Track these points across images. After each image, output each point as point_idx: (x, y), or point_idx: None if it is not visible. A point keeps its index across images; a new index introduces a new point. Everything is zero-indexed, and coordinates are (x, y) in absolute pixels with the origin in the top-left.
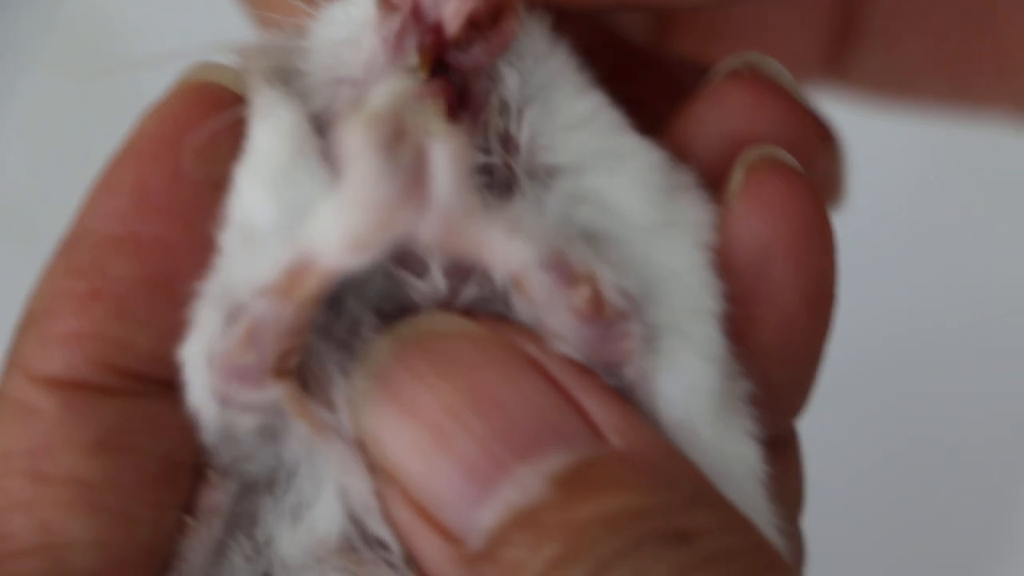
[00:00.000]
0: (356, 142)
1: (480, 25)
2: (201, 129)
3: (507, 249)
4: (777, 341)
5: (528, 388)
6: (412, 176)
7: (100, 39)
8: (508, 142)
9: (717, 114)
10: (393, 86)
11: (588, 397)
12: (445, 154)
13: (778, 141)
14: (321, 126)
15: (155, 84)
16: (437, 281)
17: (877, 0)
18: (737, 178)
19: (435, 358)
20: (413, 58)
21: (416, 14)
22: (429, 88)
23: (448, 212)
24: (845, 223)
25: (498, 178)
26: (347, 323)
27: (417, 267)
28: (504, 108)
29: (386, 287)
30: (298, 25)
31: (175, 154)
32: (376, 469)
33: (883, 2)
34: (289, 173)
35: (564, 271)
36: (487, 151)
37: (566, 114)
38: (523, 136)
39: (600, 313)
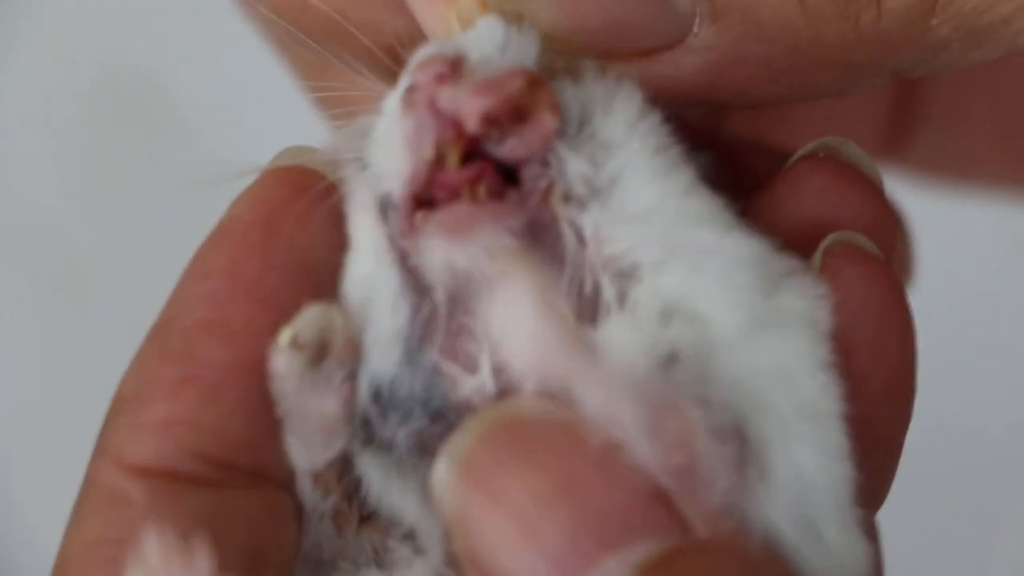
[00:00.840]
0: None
1: (501, 121)
2: (293, 214)
3: (599, 386)
4: (859, 431)
5: (614, 476)
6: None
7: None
8: (579, 235)
9: (796, 198)
10: (312, 315)
11: (678, 499)
12: (522, 288)
13: (857, 226)
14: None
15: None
16: (486, 376)
17: (937, 82)
18: (817, 263)
19: (521, 445)
20: (428, 152)
21: (433, 111)
22: (461, 175)
23: (535, 345)
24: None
25: (572, 276)
26: (390, 428)
27: (468, 363)
28: (569, 197)
29: (418, 385)
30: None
31: (267, 239)
32: (462, 557)
33: (943, 84)
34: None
35: (657, 422)
36: (555, 245)
37: (640, 203)
38: (587, 229)
39: (694, 476)
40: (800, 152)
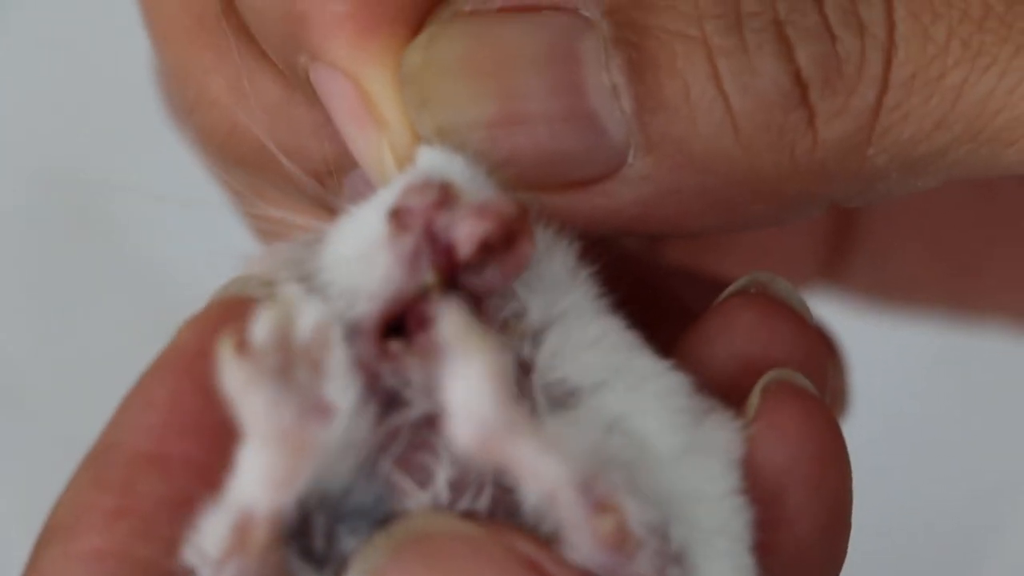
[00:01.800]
0: (236, 383)
1: (493, 248)
2: (229, 343)
3: (544, 466)
4: (794, 566)
5: None
6: (308, 394)
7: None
8: (524, 363)
9: (728, 335)
10: (268, 318)
11: None
12: (481, 366)
13: (790, 362)
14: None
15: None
16: (440, 491)
17: (874, 210)
18: (754, 402)
19: (430, 560)
20: (429, 276)
21: (429, 234)
22: (439, 308)
23: (487, 424)
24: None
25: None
26: (325, 537)
27: (420, 476)
28: (520, 328)
29: (370, 495)
30: (315, 233)
31: (208, 370)
32: None
33: (880, 211)
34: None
35: (594, 498)
36: None
37: (584, 336)
38: (541, 357)
39: (623, 545)
40: (731, 288)
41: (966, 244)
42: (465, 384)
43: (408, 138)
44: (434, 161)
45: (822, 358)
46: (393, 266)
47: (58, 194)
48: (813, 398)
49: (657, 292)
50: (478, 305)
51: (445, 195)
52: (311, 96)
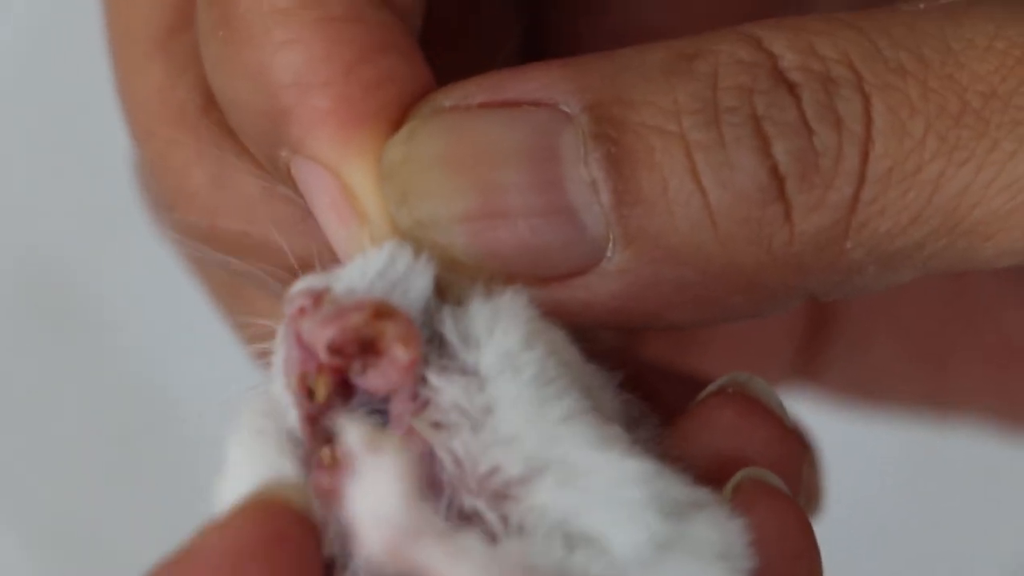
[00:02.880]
0: None
1: (359, 351)
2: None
3: (456, 572)
4: None
5: None
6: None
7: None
8: (455, 459)
9: (707, 433)
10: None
11: None
12: (389, 468)
13: (765, 461)
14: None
15: None
16: None
17: (849, 306)
18: (727, 499)
19: None
20: (292, 383)
21: (299, 342)
22: (325, 412)
23: (394, 528)
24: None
25: (452, 500)
26: None
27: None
28: (439, 424)
29: None
30: None
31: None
32: None
33: (855, 308)
34: None
35: None
36: (432, 471)
37: (507, 428)
38: (459, 452)
39: None
40: (710, 388)
41: (937, 339)
42: (367, 489)
43: (388, 232)
44: (367, 262)
45: (797, 458)
46: (280, 374)
47: (31, 280)
48: (785, 497)
49: (636, 387)
50: (385, 406)
51: (314, 301)
52: (292, 190)
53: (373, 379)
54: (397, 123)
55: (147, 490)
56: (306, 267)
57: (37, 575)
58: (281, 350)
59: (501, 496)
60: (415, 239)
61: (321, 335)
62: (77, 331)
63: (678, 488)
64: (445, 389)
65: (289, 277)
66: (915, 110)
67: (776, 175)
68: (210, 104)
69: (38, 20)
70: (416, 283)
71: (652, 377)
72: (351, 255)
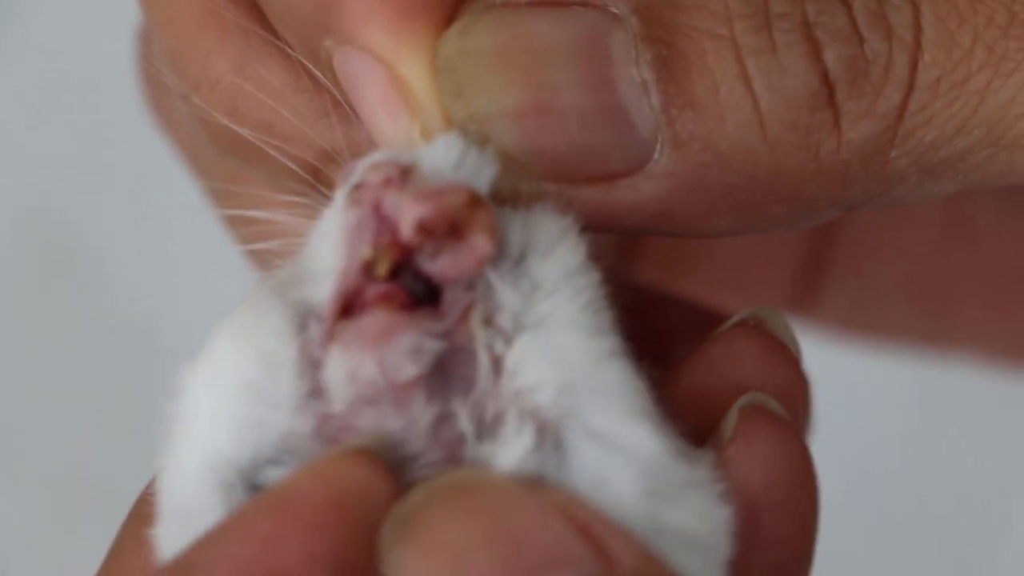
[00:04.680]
0: None
1: (442, 235)
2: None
3: None
4: None
5: (547, 523)
6: None
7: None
8: (494, 362)
9: (727, 364)
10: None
11: (608, 535)
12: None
13: (774, 392)
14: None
15: None
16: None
17: (848, 239)
18: (731, 423)
19: (462, 502)
20: (366, 252)
21: (376, 212)
22: (376, 290)
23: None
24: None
25: (478, 400)
26: None
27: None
28: (490, 322)
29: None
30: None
31: (315, 535)
32: None
33: (854, 241)
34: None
35: None
36: (466, 367)
37: (558, 350)
38: (505, 359)
39: None
40: (734, 319)
41: (937, 275)
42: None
43: (440, 124)
44: (439, 145)
45: (804, 394)
46: (339, 238)
47: (38, 229)
48: (787, 424)
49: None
50: (435, 293)
51: (402, 175)
52: (330, 81)
53: (444, 265)
54: (449, 17)
55: (141, 434)
56: (326, 162)
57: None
58: (346, 217)
59: (526, 412)
60: (468, 133)
61: (413, 210)
62: (85, 277)
63: (679, 470)
64: (503, 291)
65: (306, 174)
66: (963, 20)
67: (826, 81)
68: None
69: None
70: (485, 175)
71: (646, 300)
72: (397, 146)
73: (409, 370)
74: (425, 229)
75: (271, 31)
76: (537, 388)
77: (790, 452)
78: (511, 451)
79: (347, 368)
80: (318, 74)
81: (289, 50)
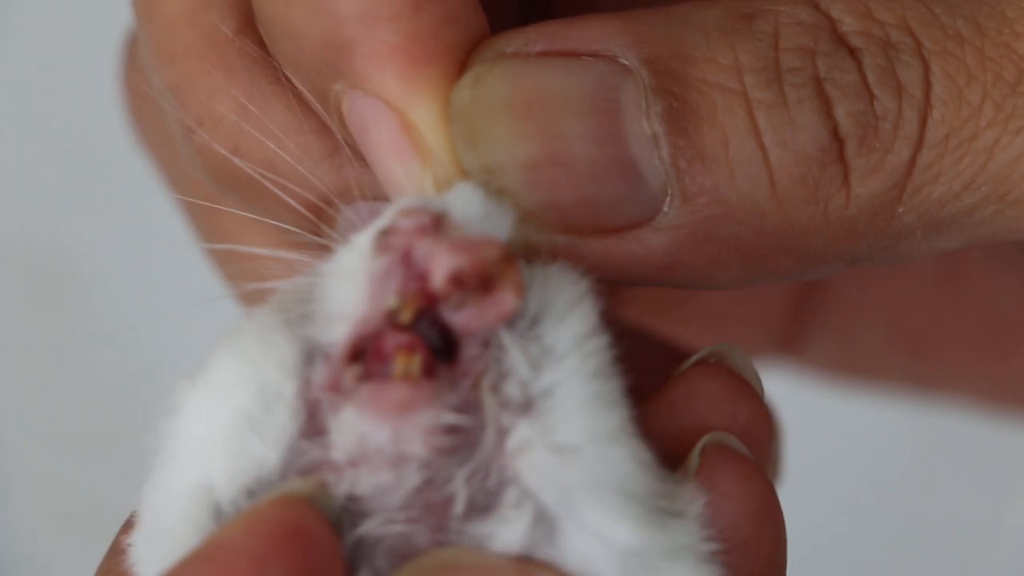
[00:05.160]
0: None
1: (473, 287)
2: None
3: None
4: None
5: None
6: None
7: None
8: (500, 432)
9: (689, 403)
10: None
11: None
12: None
13: (740, 432)
14: (314, 354)
15: None
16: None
17: (837, 283)
18: (693, 465)
19: None
20: (392, 300)
21: (407, 259)
22: (397, 340)
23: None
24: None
25: (479, 466)
26: None
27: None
28: (497, 389)
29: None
30: (313, 270)
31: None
32: None
33: (843, 285)
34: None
35: None
36: (473, 430)
37: (564, 435)
38: (510, 436)
39: None
40: (694, 357)
41: (926, 321)
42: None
43: (452, 173)
44: (464, 194)
45: (770, 434)
46: (365, 283)
47: (31, 257)
48: (751, 462)
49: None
50: (454, 347)
51: (435, 223)
52: (337, 124)
53: (469, 318)
54: (461, 65)
55: (126, 456)
56: (328, 204)
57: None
58: (373, 262)
59: (526, 494)
60: (480, 183)
61: (447, 261)
62: (74, 303)
63: (666, 541)
64: (516, 355)
65: (305, 216)
66: (972, 77)
67: (837, 137)
68: (243, 29)
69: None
70: (504, 227)
71: (631, 343)
72: (407, 193)
73: (422, 447)
74: (458, 280)
75: (278, 69)
76: (540, 486)
77: (754, 490)
78: (510, 532)
79: (360, 430)
80: (324, 115)
81: (295, 89)
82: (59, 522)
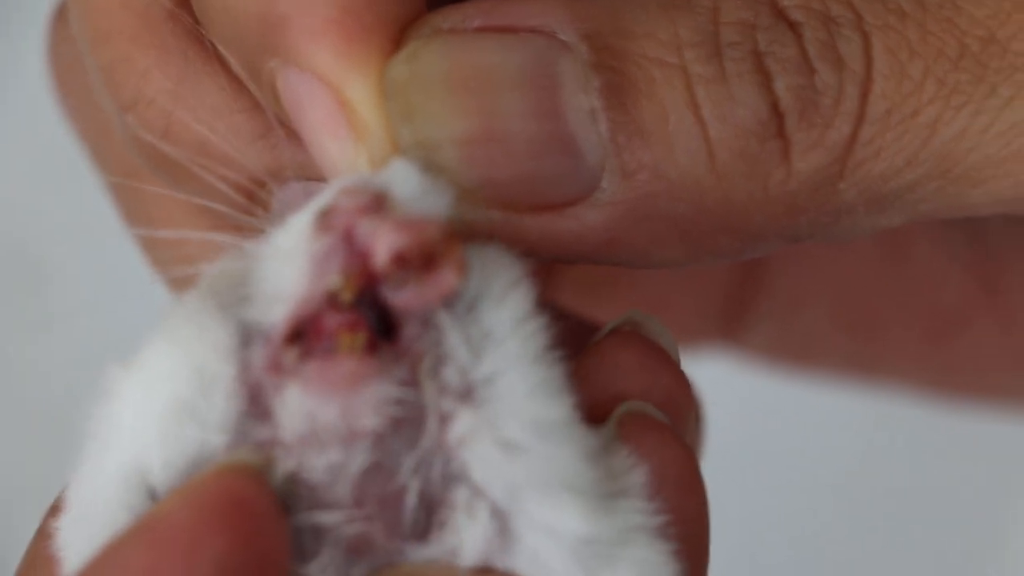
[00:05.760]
0: None
1: (415, 266)
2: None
3: None
4: None
5: None
6: None
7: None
8: (442, 418)
9: (605, 372)
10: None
11: None
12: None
13: (658, 399)
14: (252, 336)
15: None
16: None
17: (778, 268)
18: (611, 433)
19: None
20: (334, 280)
21: (348, 238)
22: (339, 319)
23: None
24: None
25: (424, 455)
26: None
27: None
28: (437, 369)
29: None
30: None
31: (194, 551)
32: None
33: (785, 270)
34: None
35: None
36: (415, 413)
37: (508, 428)
38: (452, 425)
39: None
40: (608, 326)
41: (870, 307)
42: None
43: (387, 151)
44: (402, 172)
45: (689, 404)
46: (305, 264)
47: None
48: (670, 430)
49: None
50: (393, 327)
51: (377, 202)
52: (271, 102)
53: (410, 296)
54: (396, 40)
55: None
56: (261, 185)
57: None
58: (314, 242)
59: (476, 494)
60: (417, 161)
61: (391, 240)
62: (44, 306)
63: (614, 527)
64: (454, 339)
65: (238, 197)
66: (914, 52)
67: (776, 111)
68: (175, 10)
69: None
70: (442, 204)
71: (568, 325)
72: (342, 171)
73: (371, 420)
74: (400, 259)
75: (211, 48)
76: (488, 482)
77: (674, 457)
78: (469, 539)
79: (307, 408)
80: (258, 93)
81: (229, 68)
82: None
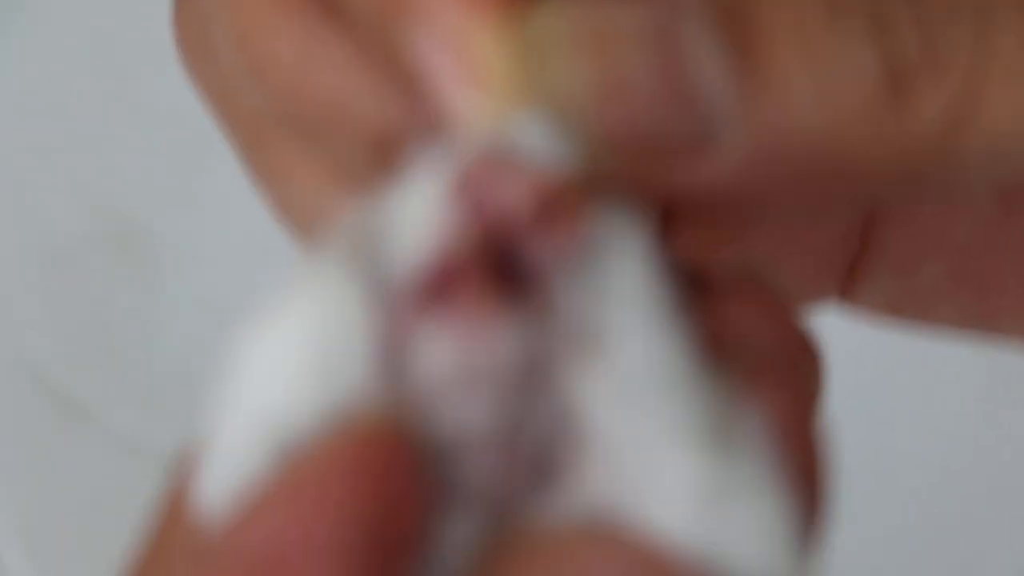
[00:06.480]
0: None
1: (546, 217)
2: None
3: None
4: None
5: None
6: None
7: None
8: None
9: (726, 322)
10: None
11: None
12: None
13: (775, 349)
14: (386, 289)
15: None
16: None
17: (894, 228)
18: (729, 383)
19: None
20: (467, 233)
21: (480, 191)
22: (474, 271)
23: None
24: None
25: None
26: None
27: None
28: (565, 319)
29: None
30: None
31: (333, 513)
32: None
33: (900, 230)
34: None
35: None
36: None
37: (624, 372)
38: (568, 373)
39: None
40: (729, 277)
41: (985, 262)
42: None
43: (515, 104)
44: (531, 125)
45: (809, 351)
46: (439, 219)
47: (113, 233)
48: (788, 378)
49: None
50: (524, 279)
51: (506, 155)
52: (400, 59)
53: (540, 249)
54: None
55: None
56: (392, 141)
57: None
58: (448, 196)
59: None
60: (544, 114)
61: (521, 192)
62: (156, 279)
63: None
64: (579, 288)
65: (371, 154)
66: None
67: (897, 67)
68: None
69: None
70: (573, 159)
71: (686, 276)
72: (472, 126)
73: (504, 370)
74: (532, 211)
75: (340, 7)
76: (610, 432)
77: (794, 408)
78: (593, 488)
79: (441, 359)
80: (386, 51)
81: (357, 26)
82: None
